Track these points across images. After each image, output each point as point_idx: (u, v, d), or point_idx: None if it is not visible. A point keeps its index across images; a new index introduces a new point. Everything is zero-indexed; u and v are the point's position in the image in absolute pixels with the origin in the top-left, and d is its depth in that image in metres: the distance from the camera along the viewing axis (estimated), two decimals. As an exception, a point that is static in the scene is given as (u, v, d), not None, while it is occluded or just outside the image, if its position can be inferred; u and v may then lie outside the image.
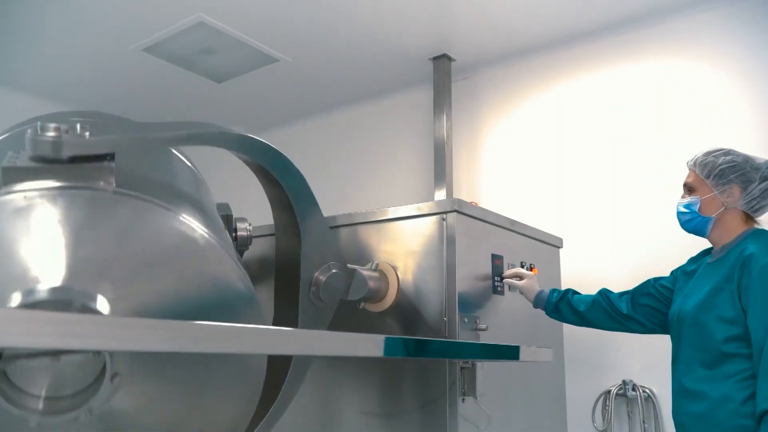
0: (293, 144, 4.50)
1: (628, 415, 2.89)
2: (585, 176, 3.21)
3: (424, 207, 2.14)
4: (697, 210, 1.82)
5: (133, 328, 0.74)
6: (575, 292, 2.16)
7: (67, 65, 3.72)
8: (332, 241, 1.85)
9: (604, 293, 2.11)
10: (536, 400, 2.43)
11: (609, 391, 2.92)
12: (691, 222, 1.84)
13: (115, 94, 4.08)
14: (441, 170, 3.49)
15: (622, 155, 3.12)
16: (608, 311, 2.07)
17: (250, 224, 1.82)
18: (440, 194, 3.44)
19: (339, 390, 2.18)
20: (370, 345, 1.20)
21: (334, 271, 1.74)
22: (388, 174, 3.93)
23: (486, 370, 2.03)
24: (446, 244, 2.03)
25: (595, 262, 3.02)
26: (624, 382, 2.89)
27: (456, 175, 3.58)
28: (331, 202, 3.86)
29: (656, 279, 2.05)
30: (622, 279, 2.61)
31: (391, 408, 2.06)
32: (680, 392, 1.77)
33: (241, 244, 1.78)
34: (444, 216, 2.06)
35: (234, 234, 1.78)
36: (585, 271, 2.91)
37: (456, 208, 2.04)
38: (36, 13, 3.16)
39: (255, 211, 4.14)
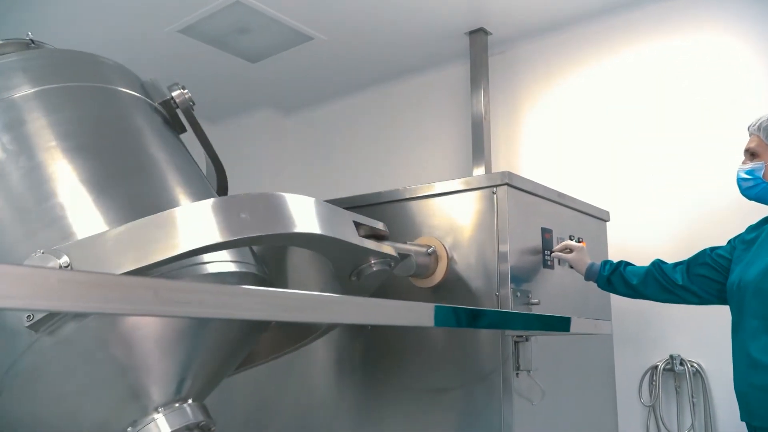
0: (327, 123, 4.51)
1: (676, 391, 2.85)
2: (630, 149, 3.14)
3: (474, 181, 2.12)
4: (761, 176, 1.77)
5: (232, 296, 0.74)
6: (627, 264, 2.12)
7: (102, 48, 3.73)
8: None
9: (657, 264, 2.07)
10: (586, 375, 2.42)
11: (656, 367, 2.89)
12: (754, 189, 1.79)
13: (150, 75, 4.09)
14: (479, 146, 3.45)
15: (668, 127, 3.04)
16: (662, 283, 2.03)
17: (184, 88, 1.79)
18: (479, 171, 3.40)
19: (391, 366, 2.19)
20: (419, 314, 1.18)
21: (375, 270, 1.68)
22: (425, 151, 3.90)
23: (537, 344, 2.01)
24: (497, 218, 2.01)
25: (641, 236, 2.96)
26: (671, 356, 2.85)
27: (494, 151, 3.53)
28: (366, 181, 3.88)
29: (712, 248, 2.00)
30: (669, 251, 2.55)
31: (443, 383, 2.06)
32: (747, 363, 1.73)
33: (183, 107, 1.76)
34: (494, 189, 2.04)
35: (173, 101, 1.75)
36: (632, 245, 2.86)
37: (507, 181, 2.02)
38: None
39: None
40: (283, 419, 2.44)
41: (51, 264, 1.06)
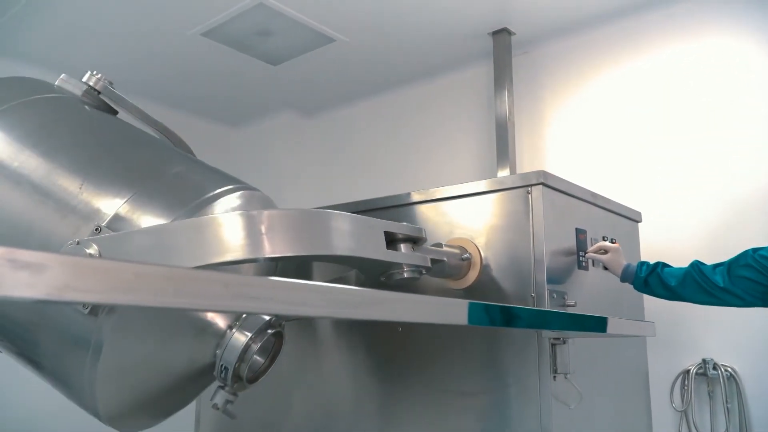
0: (349, 125, 4.49)
1: (709, 395, 2.79)
2: (659, 149, 3.09)
3: (508, 180, 2.08)
4: None
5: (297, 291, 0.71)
6: (665, 265, 2.07)
7: (125, 51, 3.75)
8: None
9: (696, 266, 2.02)
10: (620, 379, 2.37)
11: (688, 371, 2.83)
12: None
13: (171, 79, 4.10)
14: (504, 148, 3.41)
15: (699, 126, 2.99)
16: (702, 285, 1.98)
17: (96, 73, 1.79)
18: (503, 172, 3.36)
19: (416, 367, 2.15)
20: (452, 312, 1.14)
21: (405, 276, 1.67)
22: (447, 154, 3.87)
23: (573, 346, 1.97)
24: (533, 218, 1.98)
25: (672, 236, 2.91)
26: (704, 360, 2.79)
27: (518, 152, 3.49)
28: (390, 183, 3.85)
29: (755, 249, 1.94)
30: (701, 252, 2.50)
31: (474, 386, 2.02)
32: None
33: (103, 90, 1.78)
34: (529, 189, 2.00)
35: (92, 89, 1.76)
36: (663, 245, 2.80)
37: (542, 180, 1.98)
38: (95, 1, 3.18)
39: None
40: (304, 422, 2.41)
41: (86, 252, 1.15)
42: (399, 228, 1.63)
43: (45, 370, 1.40)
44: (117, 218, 1.29)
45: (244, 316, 1.47)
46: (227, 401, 1.48)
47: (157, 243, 1.20)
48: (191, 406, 2.73)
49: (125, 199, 1.32)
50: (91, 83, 1.74)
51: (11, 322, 1.34)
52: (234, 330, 1.45)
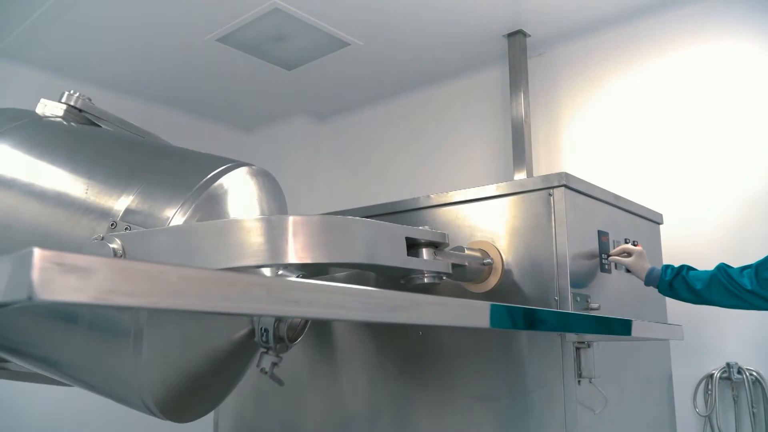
0: (363, 129, 4.48)
1: (734, 400, 2.74)
2: (678, 151, 3.06)
3: (529, 183, 2.06)
4: None
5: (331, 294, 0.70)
6: (690, 268, 2.04)
7: (142, 57, 3.77)
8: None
9: (723, 268, 1.99)
10: (644, 383, 2.34)
11: (712, 375, 2.78)
12: None
13: (186, 84, 4.12)
14: (520, 150, 3.39)
15: (718, 128, 2.96)
16: (728, 288, 1.95)
17: (73, 92, 1.82)
18: (520, 175, 3.34)
19: (435, 371, 2.13)
20: (473, 314, 1.12)
21: (425, 281, 1.68)
22: (463, 157, 3.85)
23: (598, 350, 1.95)
24: (555, 220, 1.95)
25: (694, 239, 2.87)
26: (728, 364, 2.75)
27: (534, 155, 3.47)
28: (405, 187, 3.84)
29: (782, 251, 1.92)
30: (724, 254, 2.46)
31: (501, 390, 2.00)
32: None
33: (84, 106, 1.82)
34: (551, 191, 1.98)
35: (73, 108, 1.81)
36: (686, 248, 2.77)
37: (564, 182, 1.96)
38: (113, 8, 3.20)
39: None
40: (321, 426, 2.39)
41: (107, 249, 1.18)
42: (421, 234, 1.62)
43: (83, 375, 1.40)
44: (129, 212, 1.33)
45: None
46: (273, 364, 1.50)
47: (179, 243, 1.22)
48: (209, 415, 2.73)
49: (133, 193, 1.36)
50: (71, 102, 1.79)
51: (43, 332, 1.34)
52: None
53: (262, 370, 1.50)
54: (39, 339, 1.37)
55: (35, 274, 0.47)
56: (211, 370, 1.47)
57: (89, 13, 3.23)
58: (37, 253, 0.47)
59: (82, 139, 1.69)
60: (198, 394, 1.50)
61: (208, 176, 1.42)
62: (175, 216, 1.31)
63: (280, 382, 1.56)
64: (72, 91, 1.80)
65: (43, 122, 1.72)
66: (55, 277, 0.47)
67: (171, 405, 1.36)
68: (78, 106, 1.80)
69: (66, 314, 1.27)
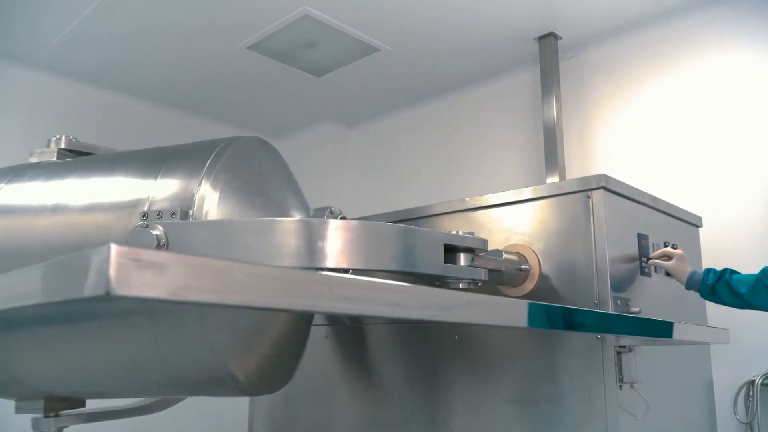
0: (391, 134, 4.49)
1: (776, 407, 2.67)
2: (717, 153, 2.99)
3: (566, 185, 2.04)
4: None
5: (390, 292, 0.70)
6: (733, 272, 2.00)
7: (173, 65, 3.83)
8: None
9: (767, 272, 1.94)
10: (684, 389, 2.29)
11: (753, 381, 2.71)
12: None
13: (216, 92, 4.17)
14: (552, 154, 3.36)
15: (758, 129, 2.89)
16: (774, 291, 1.90)
17: (59, 135, 1.90)
18: (552, 179, 3.31)
19: (480, 376, 2.11)
20: (510, 313, 1.09)
21: (461, 286, 1.66)
22: (493, 161, 3.83)
23: (639, 355, 1.91)
24: (594, 223, 1.93)
25: (734, 242, 2.81)
26: (770, 370, 2.68)
27: (567, 158, 3.43)
28: (434, 192, 3.83)
29: (830, 254, 1.86)
30: (764, 259, 2.40)
31: (539, 395, 1.97)
32: None
33: (74, 147, 1.88)
34: (589, 194, 1.96)
35: (65, 151, 1.87)
36: (725, 251, 2.71)
37: (603, 184, 1.93)
38: (145, 16, 3.26)
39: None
40: (350, 431, 2.39)
41: (151, 236, 1.21)
42: (461, 240, 1.60)
43: (165, 370, 1.42)
44: (154, 201, 1.37)
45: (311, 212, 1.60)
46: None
47: (221, 237, 1.25)
48: (244, 415, 2.74)
49: (153, 182, 1.42)
50: (61, 146, 1.84)
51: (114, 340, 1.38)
52: None
53: None
54: (111, 351, 1.40)
55: (113, 270, 0.47)
56: (284, 334, 1.50)
57: (120, 23, 3.29)
58: (114, 249, 0.48)
59: (87, 161, 1.76)
60: (275, 362, 1.53)
61: (216, 149, 1.49)
62: (202, 186, 1.36)
63: None
64: (58, 136, 1.85)
65: (44, 163, 1.80)
66: (131, 273, 0.48)
67: (254, 376, 1.38)
68: (68, 147, 1.85)
69: (123, 311, 1.29)
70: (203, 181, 1.37)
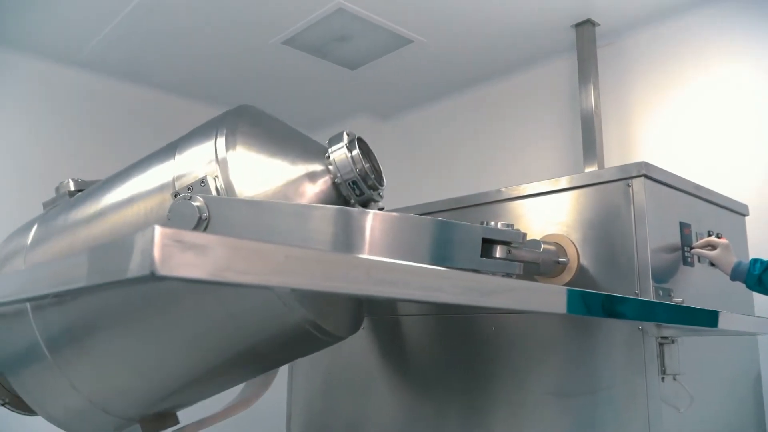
0: (426, 126, 4.47)
1: (828, 401, 2.58)
2: (763, 142, 2.90)
3: (606, 173, 2.00)
4: None
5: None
6: (781, 261, 1.93)
7: (209, 61, 3.89)
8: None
9: (819, 261, 1.87)
10: (731, 382, 2.23)
11: (803, 375, 2.62)
12: None
13: (252, 87, 4.22)
14: (590, 143, 3.30)
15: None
16: (824, 281, 1.84)
17: (64, 181, 1.92)
18: (591, 168, 3.25)
19: (518, 368, 2.09)
20: (548, 299, 1.06)
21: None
22: (530, 151, 3.78)
23: (682, 346, 1.87)
24: (635, 212, 1.89)
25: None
26: (821, 364, 2.59)
27: (606, 147, 3.37)
28: (470, 182, 3.80)
29: None
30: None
31: (578, 387, 1.94)
32: None
33: (83, 187, 1.89)
34: (629, 182, 1.91)
35: (77, 191, 1.88)
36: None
37: (644, 172, 1.88)
38: (182, 13, 3.31)
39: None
40: (389, 423, 2.39)
41: (192, 208, 1.24)
42: (499, 234, 1.58)
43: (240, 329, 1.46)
44: (179, 178, 1.43)
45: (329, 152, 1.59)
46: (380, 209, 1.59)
47: (259, 217, 1.28)
48: (282, 408, 2.78)
49: (172, 162, 1.47)
50: (70, 188, 1.85)
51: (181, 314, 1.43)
52: (329, 156, 1.57)
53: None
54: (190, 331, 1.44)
55: (156, 251, 0.48)
56: None
57: (157, 21, 3.36)
58: (158, 230, 0.49)
59: (102, 183, 1.79)
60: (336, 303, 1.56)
61: (222, 114, 1.55)
62: (218, 148, 1.39)
63: None
64: (64, 181, 1.87)
65: (61, 203, 1.83)
66: (174, 254, 0.49)
67: (326, 311, 1.41)
68: (76, 188, 1.86)
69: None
70: (218, 143, 1.40)
